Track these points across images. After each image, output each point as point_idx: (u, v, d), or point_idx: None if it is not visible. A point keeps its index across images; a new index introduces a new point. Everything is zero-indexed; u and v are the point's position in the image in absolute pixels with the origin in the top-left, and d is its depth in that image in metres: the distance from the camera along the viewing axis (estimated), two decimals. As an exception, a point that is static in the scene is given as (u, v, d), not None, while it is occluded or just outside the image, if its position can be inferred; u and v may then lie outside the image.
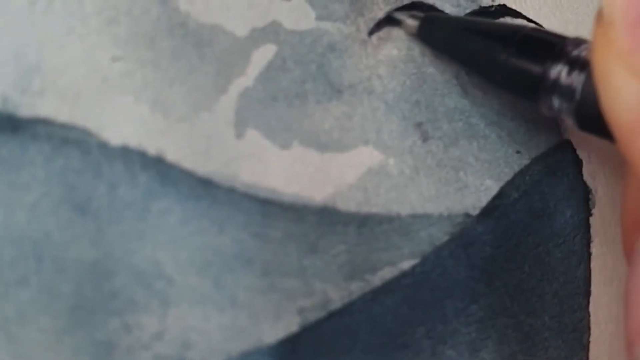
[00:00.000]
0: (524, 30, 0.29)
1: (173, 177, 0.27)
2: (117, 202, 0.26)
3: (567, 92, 0.27)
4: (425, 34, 0.31)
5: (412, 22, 0.31)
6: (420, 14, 0.31)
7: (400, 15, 0.31)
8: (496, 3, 0.33)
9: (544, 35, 0.29)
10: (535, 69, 0.28)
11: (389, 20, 0.31)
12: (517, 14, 0.33)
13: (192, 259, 0.27)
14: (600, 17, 0.25)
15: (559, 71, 0.27)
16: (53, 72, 0.26)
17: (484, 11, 0.32)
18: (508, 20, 0.33)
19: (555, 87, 0.28)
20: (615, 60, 0.24)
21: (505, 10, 0.33)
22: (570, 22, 0.34)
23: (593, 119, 0.26)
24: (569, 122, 0.28)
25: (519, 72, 0.28)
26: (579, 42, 0.28)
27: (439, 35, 0.31)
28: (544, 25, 0.34)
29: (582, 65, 0.27)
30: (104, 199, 0.26)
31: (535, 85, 0.28)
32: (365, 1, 0.30)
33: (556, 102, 0.28)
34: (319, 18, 0.30)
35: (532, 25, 0.30)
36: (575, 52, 0.27)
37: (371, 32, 0.30)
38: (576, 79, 0.27)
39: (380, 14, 0.31)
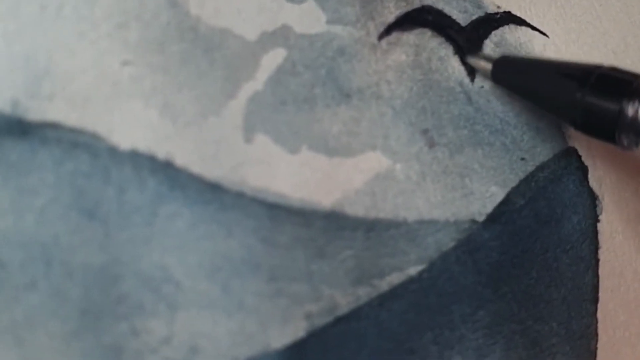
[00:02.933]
0: (599, 70, 0.29)
1: (181, 181, 0.27)
2: (126, 207, 0.26)
3: None
4: (500, 75, 0.32)
5: (485, 65, 0.32)
6: (493, 57, 0.32)
7: (472, 59, 0.32)
8: (501, 10, 0.33)
9: (619, 74, 0.29)
10: (612, 107, 0.28)
11: (399, 25, 0.31)
12: (521, 22, 0.33)
13: (200, 264, 0.27)
14: None
15: (636, 109, 0.28)
16: (63, 77, 0.26)
17: (489, 18, 0.33)
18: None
19: (633, 124, 0.28)
20: None
21: (510, 18, 0.33)
22: (574, 31, 0.35)
23: None
24: None
25: (595, 110, 0.29)
26: None
27: (513, 76, 0.32)
28: (547, 34, 0.34)
29: None
30: (113, 203, 0.26)
31: (612, 123, 0.29)
32: (376, 5, 0.30)
33: (634, 138, 0.28)
34: (330, 22, 0.30)
35: (608, 64, 0.30)
36: None
37: (381, 37, 0.31)
38: None
39: (391, 18, 0.31)
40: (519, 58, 0.33)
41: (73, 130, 0.26)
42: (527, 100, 0.32)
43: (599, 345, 0.33)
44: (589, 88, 0.29)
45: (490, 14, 0.33)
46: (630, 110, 0.28)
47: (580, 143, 0.34)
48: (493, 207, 0.31)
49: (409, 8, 0.31)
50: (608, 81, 0.29)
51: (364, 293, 0.29)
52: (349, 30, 0.30)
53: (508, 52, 0.33)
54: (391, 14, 0.31)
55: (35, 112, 0.26)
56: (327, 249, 0.28)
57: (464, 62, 0.32)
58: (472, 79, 0.32)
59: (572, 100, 0.29)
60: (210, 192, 0.27)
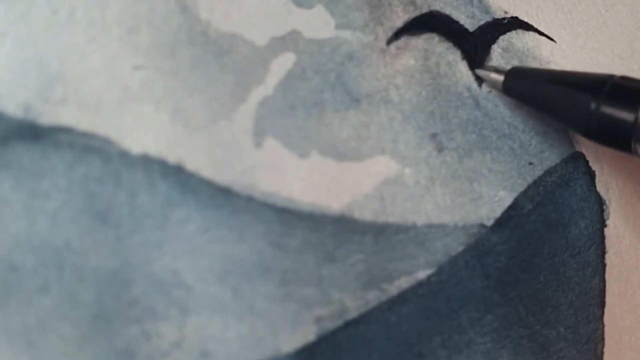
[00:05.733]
0: (612, 79, 0.29)
1: (192, 185, 0.27)
2: (137, 211, 0.26)
3: None
4: (511, 87, 0.31)
5: (496, 77, 0.32)
6: (504, 68, 0.32)
7: (483, 72, 0.32)
8: (509, 15, 0.33)
9: (632, 83, 0.29)
10: (627, 116, 0.28)
11: (407, 29, 0.31)
12: (529, 27, 0.34)
13: (211, 268, 0.27)
14: None
15: None
16: (75, 81, 0.26)
17: (497, 23, 0.33)
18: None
19: None
20: None
21: (517, 23, 0.33)
22: (581, 36, 0.35)
23: None
24: None
25: (610, 121, 0.29)
26: None
27: (525, 89, 0.31)
28: (554, 39, 0.34)
29: None
30: (124, 207, 0.26)
31: (627, 132, 0.28)
32: (384, 10, 0.31)
33: None
34: (339, 27, 0.30)
35: (620, 74, 0.30)
36: None
37: (390, 41, 0.31)
38: None
39: (399, 23, 0.31)
40: (530, 69, 0.32)
41: (85, 135, 0.26)
42: (540, 112, 0.32)
43: (606, 349, 0.33)
44: (603, 98, 0.29)
45: (498, 19, 0.33)
46: None
47: (588, 148, 0.34)
48: (501, 211, 0.31)
49: (417, 13, 0.31)
50: (622, 91, 0.29)
51: (373, 297, 0.29)
52: (358, 35, 0.30)
53: (515, 57, 0.33)
54: (399, 19, 0.31)
55: (48, 116, 0.26)
56: (337, 253, 0.28)
57: (471, 67, 0.32)
58: (480, 84, 0.32)
59: (587, 110, 0.29)
60: (221, 196, 0.27)
